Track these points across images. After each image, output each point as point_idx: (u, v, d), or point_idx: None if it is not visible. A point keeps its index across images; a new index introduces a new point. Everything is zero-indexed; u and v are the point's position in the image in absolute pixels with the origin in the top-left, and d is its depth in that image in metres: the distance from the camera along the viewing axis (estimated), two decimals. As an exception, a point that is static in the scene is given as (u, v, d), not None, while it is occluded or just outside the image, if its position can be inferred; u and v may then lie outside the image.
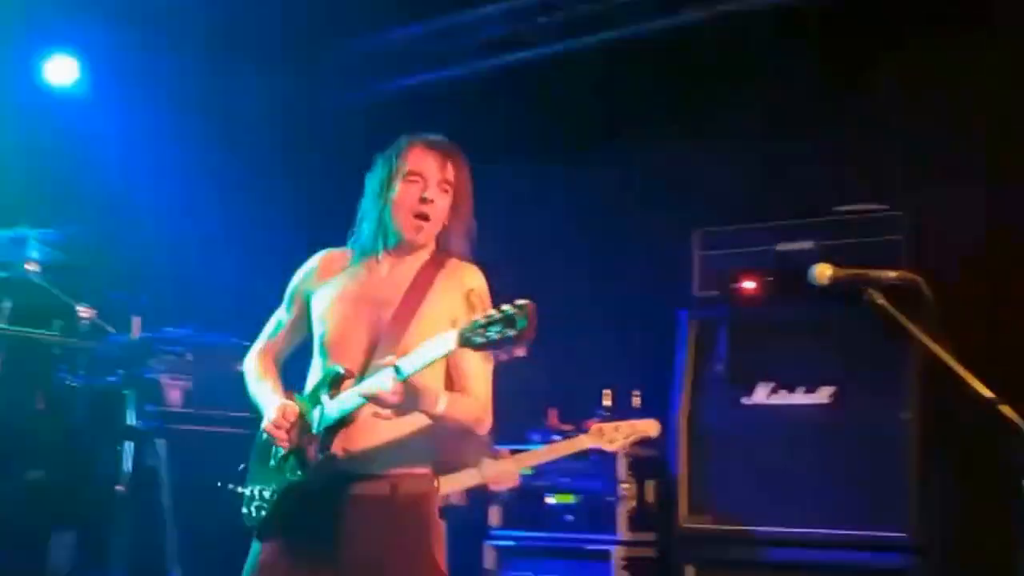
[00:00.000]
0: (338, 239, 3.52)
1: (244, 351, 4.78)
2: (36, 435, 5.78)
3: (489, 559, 5.53)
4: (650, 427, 4.41)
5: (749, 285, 4.98)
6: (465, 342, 2.73)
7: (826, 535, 4.58)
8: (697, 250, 5.21)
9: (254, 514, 3.23)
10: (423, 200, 3.18)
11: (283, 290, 3.64)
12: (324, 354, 3.25)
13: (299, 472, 3.16)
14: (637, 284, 5.56)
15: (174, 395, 5.68)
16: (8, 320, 5.39)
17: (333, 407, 3.06)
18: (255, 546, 3.18)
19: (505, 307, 2.69)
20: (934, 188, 4.97)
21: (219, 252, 6.55)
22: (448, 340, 2.78)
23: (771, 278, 4.94)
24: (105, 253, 5.96)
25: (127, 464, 5.53)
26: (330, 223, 3.75)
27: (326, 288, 3.32)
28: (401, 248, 3.28)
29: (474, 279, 3.27)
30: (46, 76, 6.78)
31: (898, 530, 4.41)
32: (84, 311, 5.42)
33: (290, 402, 3.16)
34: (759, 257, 5.01)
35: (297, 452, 3.16)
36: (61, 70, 6.77)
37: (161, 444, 5.53)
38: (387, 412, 2.98)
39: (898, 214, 4.72)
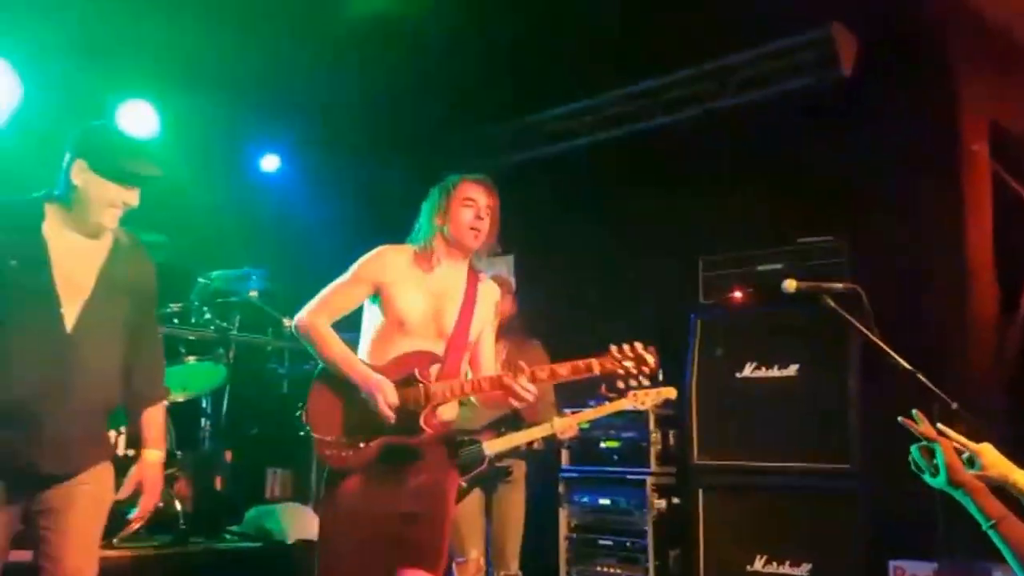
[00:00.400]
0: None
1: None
2: (257, 405, 5.93)
3: (561, 487, 5.47)
4: (670, 392, 4.33)
5: (739, 295, 4.95)
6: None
7: (794, 467, 4.54)
8: (702, 270, 5.16)
9: (346, 454, 2.97)
10: (477, 218, 3.17)
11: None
12: (402, 334, 3.07)
13: (413, 433, 2.98)
14: (662, 294, 5.50)
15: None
16: (238, 329, 5.43)
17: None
18: (342, 480, 2.97)
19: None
20: (865, 223, 4.82)
21: None
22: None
23: (753, 289, 4.91)
24: (296, 285, 5.97)
25: None
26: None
27: (404, 279, 3.14)
28: (455, 255, 3.19)
29: (496, 293, 3.33)
30: (262, 166, 6.97)
31: (844, 463, 4.40)
32: (287, 322, 5.28)
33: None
34: (746, 275, 4.97)
35: (410, 416, 2.94)
36: (270, 163, 6.94)
37: None
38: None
39: (841, 243, 4.67)
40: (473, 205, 3.19)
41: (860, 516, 4.36)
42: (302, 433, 5.38)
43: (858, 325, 3.07)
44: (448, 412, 3.13)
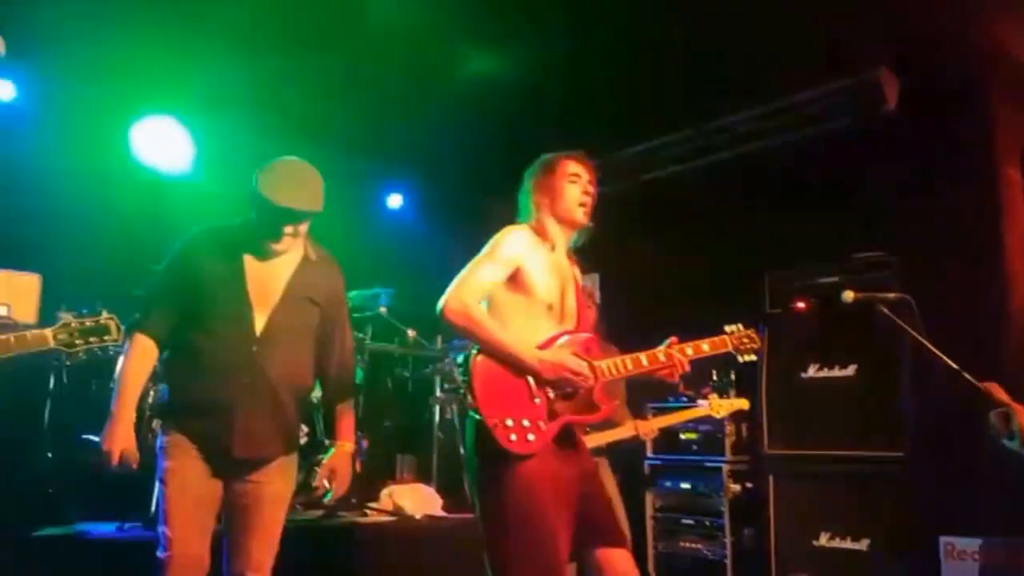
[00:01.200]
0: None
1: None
2: (386, 402, 6.32)
3: (647, 471, 5.76)
4: (743, 403, 4.55)
5: (801, 304, 5.11)
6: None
7: (853, 454, 4.73)
8: (768, 284, 5.40)
9: (531, 437, 2.73)
10: (584, 193, 3.08)
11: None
12: (538, 314, 2.93)
13: (591, 411, 2.91)
14: (735, 305, 5.17)
15: (458, 380, 5.70)
16: (371, 339, 5.82)
17: None
18: (518, 464, 2.71)
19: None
20: (913, 239, 4.95)
21: None
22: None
23: (814, 300, 5.08)
24: (417, 302, 5.85)
25: (436, 417, 6.02)
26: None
27: (536, 258, 2.97)
28: (563, 234, 3.08)
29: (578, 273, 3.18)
30: (388, 204, 7.49)
31: (898, 450, 4.58)
32: (411, 333, 5.97)
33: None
34: (807, 287, 5.14)
35: (584, 394, 2.86)
36: (394, 201, 7.47)
37: (454, 407, 5.89)
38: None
39: (892, 258, 4.85)
40: (578, 180, 3.09)
41: (913, 497, 4.54)
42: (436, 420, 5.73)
43: (909, 330, 3.23)
44: None
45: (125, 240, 5.46)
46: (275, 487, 2.98)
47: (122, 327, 2.88)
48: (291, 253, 3.05)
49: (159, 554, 2.82)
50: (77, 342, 2.76)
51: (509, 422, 2.72)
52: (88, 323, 2.75)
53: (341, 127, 5.88)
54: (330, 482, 3.11)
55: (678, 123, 6.21)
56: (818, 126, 5.52)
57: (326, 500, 3.31)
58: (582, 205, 3.09)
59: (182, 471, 2.87)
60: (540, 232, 3.05)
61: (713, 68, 5.28)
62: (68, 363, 4.91)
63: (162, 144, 5.91)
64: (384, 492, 5.35)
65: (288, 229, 2.94)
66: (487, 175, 6.40)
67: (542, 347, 2.88)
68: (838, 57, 5.13)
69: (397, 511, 5.16)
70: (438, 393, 6.05)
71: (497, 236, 3.01)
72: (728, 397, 4.82)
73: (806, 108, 5.56)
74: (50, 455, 4.68)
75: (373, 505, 5.26)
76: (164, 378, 3.04)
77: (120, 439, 2.81)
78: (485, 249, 2.99)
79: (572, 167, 3.12)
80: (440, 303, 2.86)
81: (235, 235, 3.03)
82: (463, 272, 2.92)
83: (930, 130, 5.09)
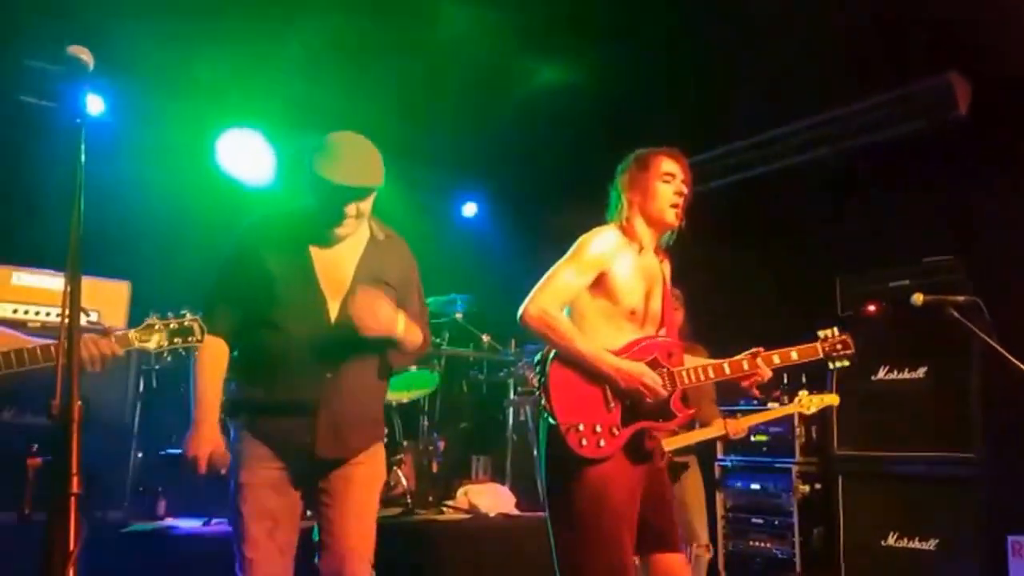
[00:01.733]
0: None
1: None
2: (462, 405, 6.38)
3: (717, 473, 5.77)
4: (833, 399, 4.39)
5: (872, 308, 5.10)
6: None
7: (922, 455, 4.74)
8: (839, 288, 5.38)
9: (602, 443, 2.75)
10: (678, 193, 2.98)
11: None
12: (623, 319, 2.91)
13: (668, 418, 2.89)
14: (807, 309, 5.50)
15: (533, 381, 5.39)
16: (448, 343, 5.90)
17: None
18: (590, 467, 2.75)
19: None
20: (981, 243, 4.98)
21: None
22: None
23: (885, 303, 5.06)
24: (491, 308, 6.06)
25: (510, 420, 6.06)
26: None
27: (622, 262, 2.93)
28: (652, 234, 3.03)
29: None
30: (464, 212, 7.61)
31: (968, 451, 4.59)
32: (486, 338, 6.11)
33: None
34: (878, 291, 5.13)
35: (661, 401, 2.84)
36: (469, 210, 7.60)
37: (527, 410, 5.88)
38: None
39: (961, 261, 4.83)
40: (672, 180, 2.99)
41: (981, 497, 4.53)
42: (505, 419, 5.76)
43: (978, 332, 3.30)
44: None
45: (209, 249, 5.68)
46: (364, 469, 2.79)
47: (205, 328, 2.75)
48: (356, 235, 2.84)
49: (238, 573, 2.68)
50: (165, 344, 2.67)
51: (581, 427, 2.75)
52: (173, 325, 2.68)
53: (417, 138, 5.97)
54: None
55: (747, 129, 6.25)
56: (889, 131, 5.53)
57: None
58: (674, 206, 2.99)
59: (256, 486, 2.69)
60: (628, 232, 2.96)
61: (782, 74, 5.31)
62: (157, 367, 5.13)
63: (245, 156, 6.12)
64: (460, 491, 5.47)
65: (350, 209, 2.71)
66: (559, 183, 6.79)
67: (621, 351, 2.86)
68: (909, 62, 5.15)
69: (472, 509, 5.25)
70: (512, 396, 6.13)
71: (583, 238, 2.96)
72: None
73: (877, 113, 5.57)
74: (140, 455, 4.82)
75: (449, 503, 5.37)
76: (233, 376, 2.85)
77: (206, 444, 2.66)
78: (570, 251, 2.94)
79: (667, 165, 3.01)
80: (521, 308, 2.86)
81: (296, 222, 2.82)
82: (546, 275, 2.89)
83: (1001, 134, 5.06)
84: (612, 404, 2.82)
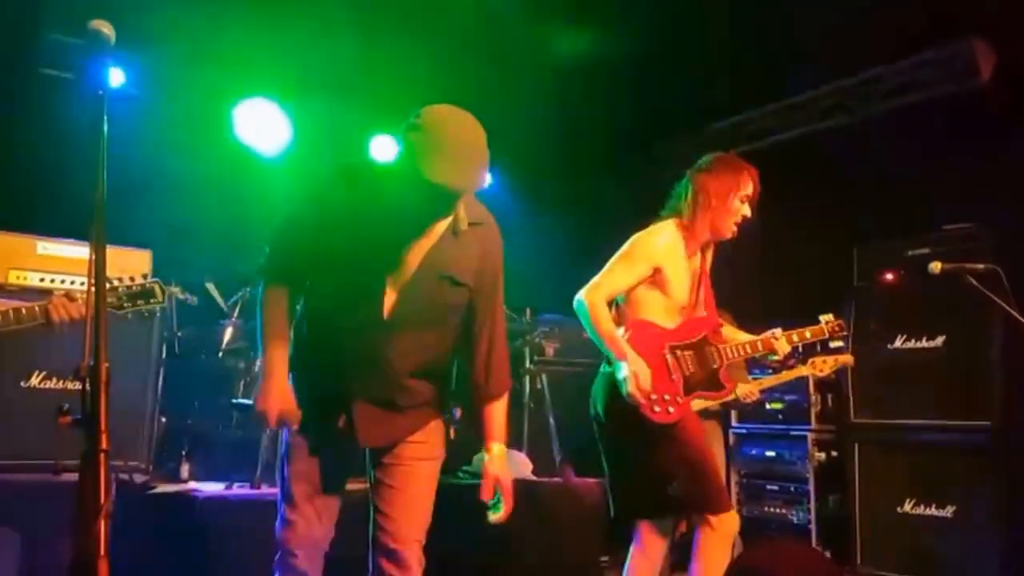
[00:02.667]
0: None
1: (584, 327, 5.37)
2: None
3: (732, 440, 5.82)
4: (848, 359, 4.35)
5: (890, 277, 5.09)
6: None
7: (939, 424, 4.74)
8: (857, 256, 5.39)
9: (671, 410, 3.17)
10: (744, 217, 3.30)
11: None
12: (671, 309, 3.28)
13: (719, 389, 3.36)
14: (822, 277, 5.65)
15: (549, 350, 6.04)
16: None
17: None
18: (674, 426, 3.16)
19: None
20: (1002, 211, 4.89)
21: (569, 272, 6.80)
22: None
23: (903, 272, 5.05)
24: (512, 275, 6.33)
25: (526, 388, 5.97)
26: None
27: (677, 262, 3.26)
28: (710, 239, 3.33)
29: None
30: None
31: (985, 419, 4.59)
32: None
33: None
34: (896, 259, 5.12)
35: (712, 374, 3.31)
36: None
37: (543, 378, 5.89)
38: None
39: (982, 229, 4.80)
40: (748, 201, 3.29)
41: (999, 465, 4.54)
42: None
43: (998, 301, 3.32)
44: None
45: (228, 218, 5.74)
46: (417, 448, 2.66)
47: (166, 289, 2.92)
48: (438, 223, 2.52)
49: (278, 532, 2.65)
50: (125, 305, 2.82)
51: (654, 396, 3.15)
52: (135, 287, 2.82)
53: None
54: (494, 493, 2.72)
55: (765, 97, 6.26)
56: (909, 97, 5.53)
57: (492, 517, 2.73)
58: (737, 224, 3.30)
59: (302, 449, 2.63)
60: (688, 231, 3.27)
61: (800, 41, 5.32)
62: (179, 333, 5.23)
63: (261, 125, 6.12)
64: (476, 457, 5.36)
65: (440, 207, 2.39)
66: (573, 157, 6.85)
67: (678, 330, 3.30)
68: (931, 28, 5.13)
69: (502, 519, 5.25)
70: (527, 364, 6.07)
71: (640, 236, 3.28)
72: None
73: (897, 79, 5.57)
74: (163, 420, 4.84)
75: (467, 469, 5.38)
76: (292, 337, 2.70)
77: (276, 399, 2.51)
78: (626, 247, 3.27)
79: (750, 187, 3.29)
80: (579, 294, 3.25)
81: (372, 194, 2.47)
82: (603, 270, 3.26)
83: (1022, 101, 5.01)
84: (674, 375, 3.24)
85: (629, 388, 3.10)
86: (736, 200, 3.25)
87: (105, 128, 1.66)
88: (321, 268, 2.55)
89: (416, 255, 2.49)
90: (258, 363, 2.67)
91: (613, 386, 3.21)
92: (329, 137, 6.19)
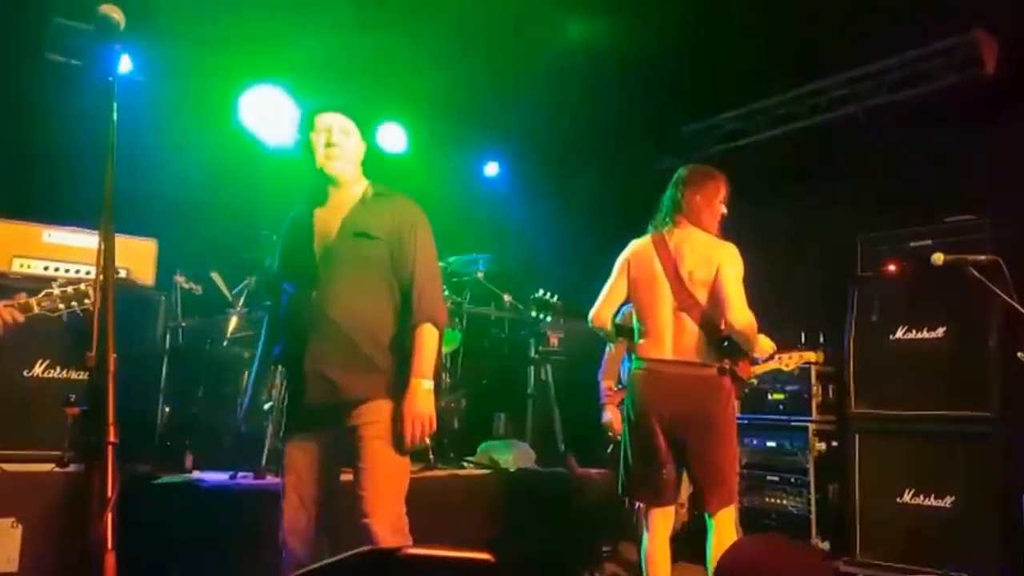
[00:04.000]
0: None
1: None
2: (484, 363, 6.31)
3: None
4: (812, 356, 4.49)
5: (892, 267, 5.02)
6: None
7: (939, 414, 4.73)
8: (860, 246, 5.35)
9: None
10: (723, 215, 3.81)
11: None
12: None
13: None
14: (824, 267, 5.76)
15: (553, 341, 6.12)
16: (469, 302, 5.93)
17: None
18: None
19: None
20: (1004, 203, 4.87)
21: (574, 263, 6.37)
22: None
23: (905, 263, 4.98)
24: (513, 266, 6.17)
25: (531, 379, 6.11)
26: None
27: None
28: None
29: None
30: (485, 172, 7.46)
31: (984, 410, 4.59)
32: (507, 297, 6.02)
33: None
34: (898, 250, 5.10)
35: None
36: (491, 169, 7.48)
37: (547, 368, 5.95)
38: None
39: (984, 220, 4.79)
40: (724, 202, 3.80)
41: (998, 456, 4.52)
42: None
43: (999, 292, 3.33)
44: None
45: (234, 207, 5.71)
46: (371, 427, 2.84)
47: (89, 294, 2.93)
48: (350, 195, 3.03)
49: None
50: (60, 306, 2.87)
51: None
52: (70, 290, 2.87)
53: (440, 97, 5.96)
54: (408, 427, 2.85)
55: (769, 89, 6.23)
56: (913, 89, 5.48)
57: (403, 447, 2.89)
58: (720, 224, 3.78)
59: (289, 444, 2.99)
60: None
61: (805, 33, 5.28)
62: (183, 324, 5.21)
63: (269, 113, 6.03)
64: (481, 447, 5.52)
65: (319, 136, 3.00)
66: (581, 145, 6.81)
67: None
68: (935, 19, 5.08)
69: (493, 464, 5.30)
70: (533, 354, 6.13)
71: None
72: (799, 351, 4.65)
73: (901, 71, 5.53)
74: (168, 410, 4.90)
75: (471, 459, 5.42)
76: None
77: None
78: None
79: (725, 191, 3.78)
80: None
81: (309, 188, 3.10)
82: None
83: (1024, 93, 4.97)
84: None
85: None
86: (718, 203, 3.70)
87: (114, 115, 1.64)
88: (282, 266, 3.07)
89: (334, 222, 2.97)
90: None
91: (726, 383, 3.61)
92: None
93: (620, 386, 4.82)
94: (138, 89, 5.45)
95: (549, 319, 4.56)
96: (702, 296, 3.61)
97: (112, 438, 1.44)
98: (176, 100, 5.73)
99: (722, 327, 3.60)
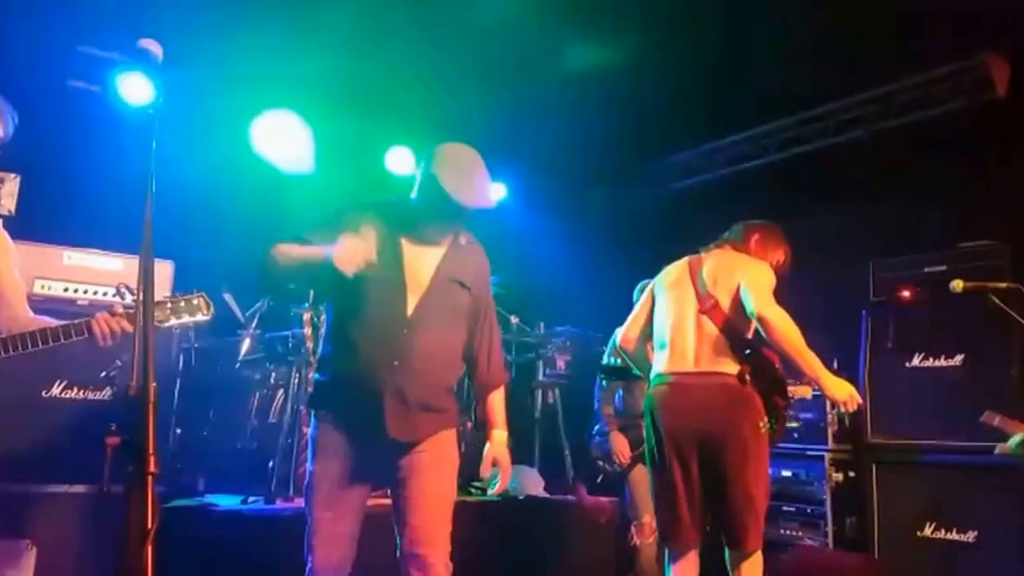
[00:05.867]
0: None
1: (596, 340, 5.34)
2: None
3: None
4: (806, 391, 4.33)
5: (907, 294, 5.03)
6: None
7: (958, 445, 4.65)
8: (873, 272, 5.32)
9: None
10: None
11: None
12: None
13: None
14: (836, 293, 5.67)
15: (560, 364, 6.14)
16: None
17: None
18: None
19: None
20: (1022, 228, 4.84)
21: (581, 285, 6.62)
22: None
23: (920, 289, 5.00)
24: (524, 288, 6.15)
25: (538, 402, 6.11)
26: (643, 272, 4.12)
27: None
28: None
29: None
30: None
31: (1005, 440, 4.23)
32: (514, 319, 6.08)
33: None
34: (913, 276, 5.08)
35: None
36: (499, 191, 7.46)
37: (556, 392, 6.02)
38: None
39: (1003, 246, 4.75)
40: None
41: (1023, 488, 4.42)
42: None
43: (1021, 320, 3.35)
44: None
45: (248, 230, 5.77)
46: (429, 456, 2.89)
47: (211, 304, 3.04)
48: (444, 238, 3.03)
49: (306, 556, 2.86)
50: (172, 319, 2.92)
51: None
52: (182, 302, 2.92)
53: (449, 120, 5.91)
54: (493, 471, 3.11)
55: (780, 111, 6.27)
56: (925, 112, 5.54)
57: (491, 491, 3.21)
58: None
59: (326, 478, 2.86)
60: None
61: (816, 55, 5.33)
62: (196, 345, 5.25)
63: (281, 138, 6.16)
64: (490, 473, 5.47)
65: (457, 224, 2.97)
66: (589, 167, 6.91)
67: None
68: (946, 43, 5.13)
69: (501, 491, 5.29)
70: (540, 378, 6.13)
71: None
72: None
73: (912, 94, 5.58)
74: (179, 431, 4.91)
75: (477, 484, 5.37)
76: (323, 351, 3.06)
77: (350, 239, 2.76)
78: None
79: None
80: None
81: (394, 213, 3.00)
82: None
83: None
84: None
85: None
86: (774, 260, 3.73)
87: (154, 145, 1.68)
88: (353, 285, 2.79)
89: (431, 264, 2.96)
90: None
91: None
92: (347, 150, 6.28)
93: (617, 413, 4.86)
94: (160, 117, 5.53)
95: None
96: (725, 301, 3.57)
97: (152, 468, 1.47)
98: (190, 124, 5.81)
99: (748, 335, 3.55)
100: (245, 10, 5.09)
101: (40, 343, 2.75)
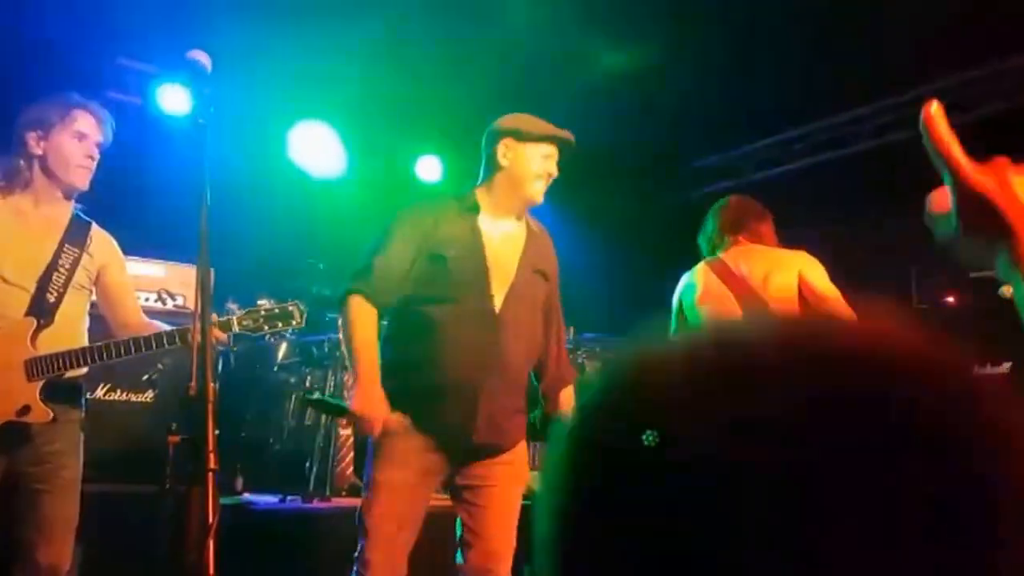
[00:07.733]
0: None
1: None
2: None
3: None
4: None
5: (951, 299, 5.14)
6: None
7: None
8: (914, 278, 5.43)
9: None
10: None
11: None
12: None
13: None
14: (882, 298, 5.66)
15: (590, 370, 5.75)
16: None
17: None
18: None
19: None
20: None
21: (610, 292, 6.71)
22: None
23: (965, 294, 5.05)
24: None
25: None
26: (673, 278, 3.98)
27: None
28: None
29: None
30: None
31: None
32: None
33: None
34: (958, 282, 5.14)
35: None
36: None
37: None
38: None
39: None
40: None
41: None
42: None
43: None
44: None
45: (285, 238, 5.91)
46: (509, 469, 2.75)
47: (304, 312, 2.91)
48: (518, 226, 2.89)
49: (356, 569, 2.67)
50: (264, 327, 2.85)
51: None
52: (276, 310, 2.84)
53: (478, 129, 5.97)
54: None
55: (815, 114, 6.25)
56: (973, 112, 5.45)
57: None
58: None
59: (391, 487, 2.66)
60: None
61: (860, 56, 5.28)
62: (235, 348, 5.37)
63: (316, 148, 6.30)
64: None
65: (541, 172, 2.83)
66: (616, 174, 6.83)
67: None
68: (998, 40, 5.07)
69: (530, 494, 5.29)
70: (570, 384, 6.12)
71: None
72: None
73: (950, 97, 5.40)
74: (217, 432, 5.06)
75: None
76: (391, 354, 2.77)
77: (378, 404, 2.60)
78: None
79: None
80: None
81: (468, 205, 2.84)
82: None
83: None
84: None
85: None
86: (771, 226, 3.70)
87: (206, 160, 1.74)
88: (435, 278, 2.73)
89: (513, 254, 2.82)
90: (359, 370, 2.66)
91: None
92: (379, 158, 6.39)
93: None
94: (211, 127, 5.69)
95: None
96: (787, 295, 3.46)
97: (212, 465, 1.51)
98: (230, 135, 5.96)
99: None
100: (280, 24, 5.18)
101: (141, 349, 2.74)
